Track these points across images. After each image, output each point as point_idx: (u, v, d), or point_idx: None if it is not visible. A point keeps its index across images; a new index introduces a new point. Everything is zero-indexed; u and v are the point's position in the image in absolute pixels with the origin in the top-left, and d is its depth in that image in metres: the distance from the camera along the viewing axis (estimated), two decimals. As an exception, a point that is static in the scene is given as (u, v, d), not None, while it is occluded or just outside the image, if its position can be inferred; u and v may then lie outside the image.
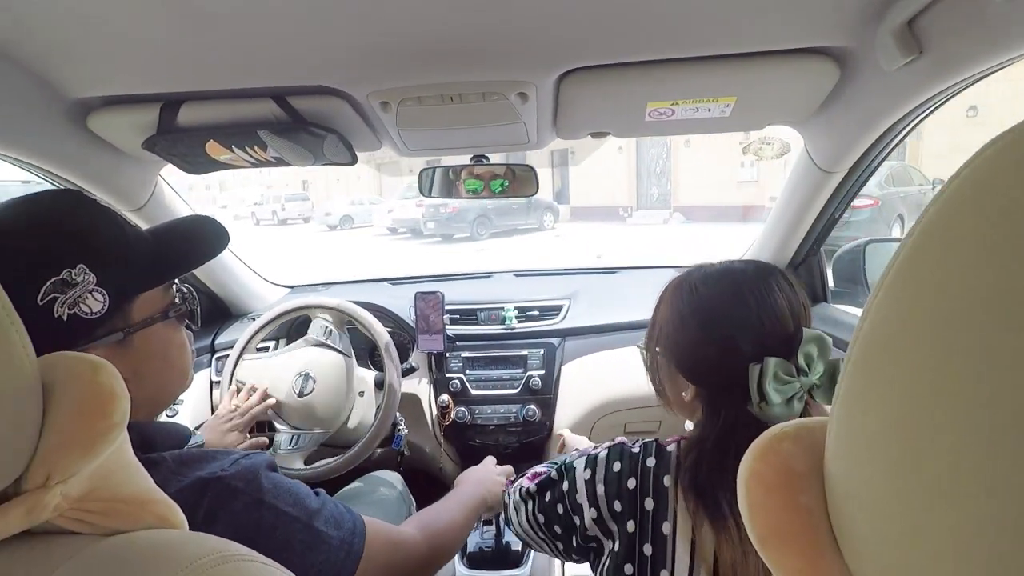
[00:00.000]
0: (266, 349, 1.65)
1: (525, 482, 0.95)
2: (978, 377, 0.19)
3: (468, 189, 1.39)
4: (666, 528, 0.73)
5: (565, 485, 0.83)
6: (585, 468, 0.81)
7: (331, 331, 1.54)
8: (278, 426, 1.46)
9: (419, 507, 1.40)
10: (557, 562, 1.49)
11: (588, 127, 1.19)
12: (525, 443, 1.68)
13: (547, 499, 0.87)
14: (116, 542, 0.42)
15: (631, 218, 16.42)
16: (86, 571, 0.39)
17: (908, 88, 0.89)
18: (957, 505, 0.21)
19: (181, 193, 1.49)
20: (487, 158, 1.38)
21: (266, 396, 1.40)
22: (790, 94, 1.01)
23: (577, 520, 0.81)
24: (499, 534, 1.50)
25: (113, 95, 1.00)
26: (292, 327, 1.71)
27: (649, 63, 0.95)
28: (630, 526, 0.75)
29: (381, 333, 1.49)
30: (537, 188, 1.37)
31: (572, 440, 1.30)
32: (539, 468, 0.96)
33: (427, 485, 1.73)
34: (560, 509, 0.84)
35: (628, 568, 0.74)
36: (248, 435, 1.31)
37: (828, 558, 0.32)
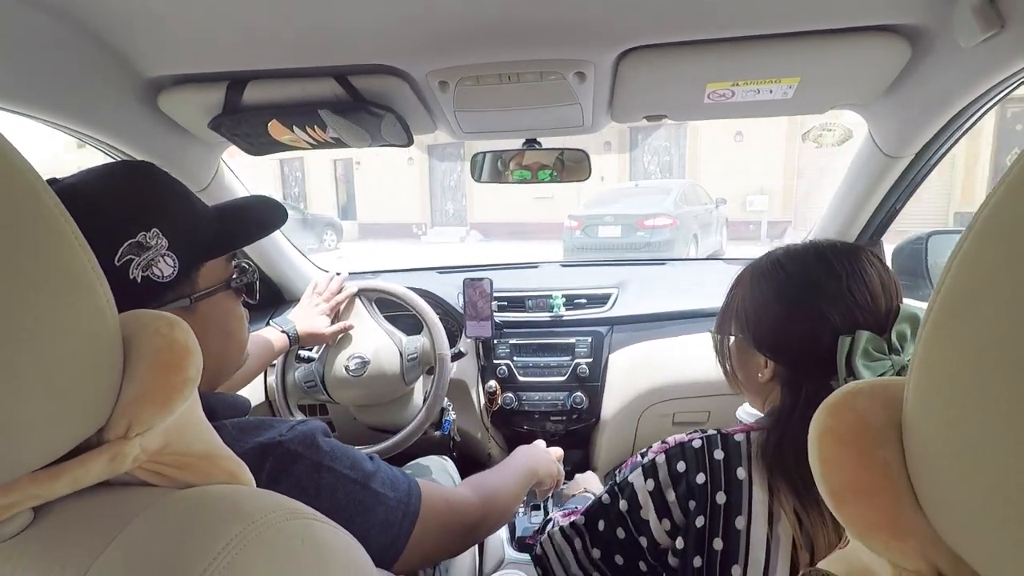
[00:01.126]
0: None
1: (561, 520, 0.90)
2: None
3: (517, 176, 1.39)
4: (739, 523, 0.69)
5: (623, 504, 0.77)
6: (645, 480, 0.75)
7: (371, 309, 1.57)
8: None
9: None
10: None
11: (644, 110, 1.17)
12: (572, 430, 1.68)
13: (601, 528, 0.80)
14: (192, 493, 0.43)
15: (426, 236, 15.67)
16: (166, 518, 0.40)
17: (986, 65, 0.85)
18: None
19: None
20: (539, 143, 1.38)
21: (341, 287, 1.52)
22: (857, 74, 0.98)
23: (644, 541, 0.76)
24: (547, 517, 1.50)
25: (184, 74, 1.03)
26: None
27: (711, 42, 0.93)
28: (699, 521, 0.71)
29: (433, 318, 1.51)
30: (589, 173, 1.36)
31: (583, 480, 1.30)
32: (567, 508, 0.92)
33: (474, 471, 1.74)
34: (621, 534, 0.78)
35: (697, 561, 0.71)
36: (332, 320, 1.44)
37: (908, 511, 0.31)
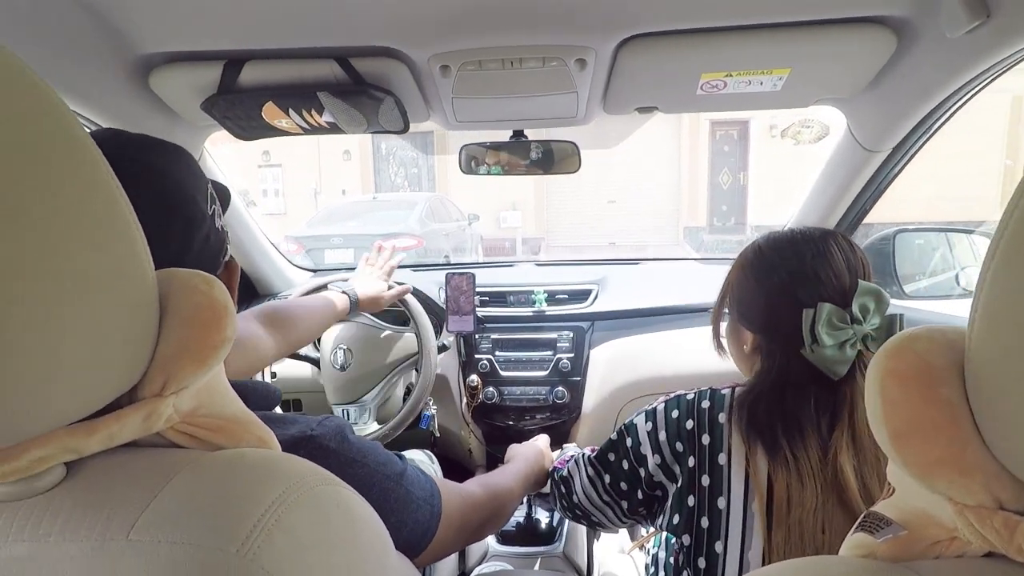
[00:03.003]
0: None
1: (587, 451, 1.02)
2: None
3: (506, 166, 1.40)
4: (721, 459, 0.80)
5: (629, 441, 0.91)
6: (646, 421, 0.89)
7: None
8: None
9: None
10: (585, 540, 1.50)
11: (637, 101, 1.20)
12: (553, 424, 1.69)
13: (611, 459, 0.94)
14: (229, 454, 0.43)
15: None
16: (209, 475, 0.40)
17: (969, 56, 0.90)
18: None
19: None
20: (526, 136, 1.40)
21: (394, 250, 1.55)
22: (844, 66, 1.03)
23: (642, 471, 0.88)
24: (529, 512, 1.51)
25: (179, 51, 1.01)
26: None
27: (706, 31, 0.97)
28: (691, 461, 0.82)
29: (415, 307, 1.50)
30: (579, 165, 1.39)
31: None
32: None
33: (451, 466, 1.73)
34: (625, 465, 0.91)
35: (691, 500, 0.81)
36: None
37: (973, 447, 0.33)
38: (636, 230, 11.45)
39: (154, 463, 0.40)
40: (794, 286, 0.79)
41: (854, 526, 0.41)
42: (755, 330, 0.86)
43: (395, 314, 1.58)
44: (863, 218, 1.48)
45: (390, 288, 1.45)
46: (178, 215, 0.61)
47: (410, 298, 1.50)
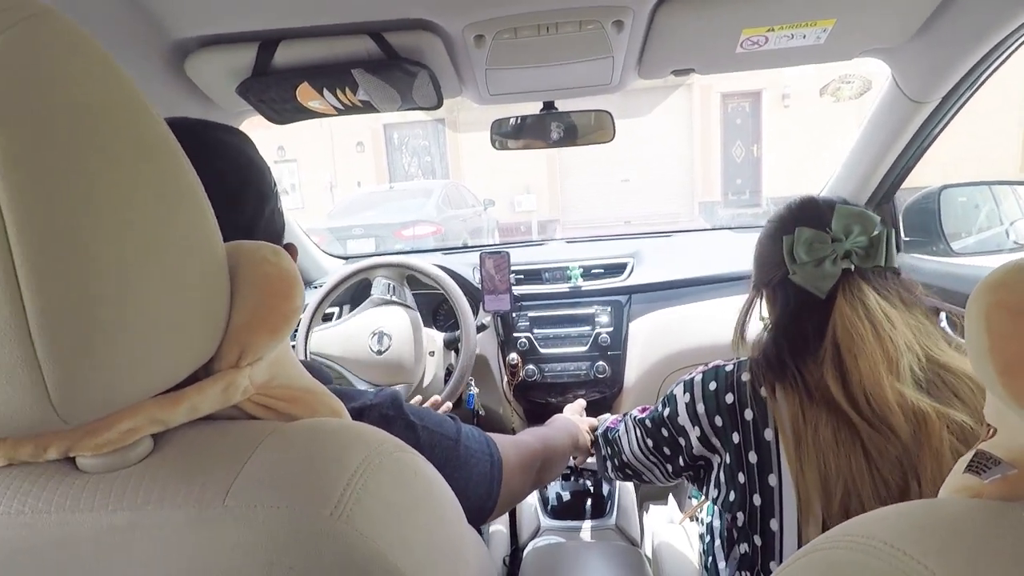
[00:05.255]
0: (330, 318, 1.67)
1: (636, 412, 1.03)
2: None
3: (543, 137, 1.39)
4: (768, 435, 0.79)
5: (667, 411, 0.92)
6: (684, 392, 0.90)
7: (393, 287, 1.55)
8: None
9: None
10: (637, 511, 1.50)
11: (674, 63, 1.17)
12: (595, 400, 1.68)
13: (651, 426, 0.96)
14: (308, 423, 0.44)
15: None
16: (294, 443, 0.40)
17: None
18: None
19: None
20: (557, 109, 1.38)
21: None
22: (893, 11, 1.00)
23: (683, 441, 0.90)
24: (579, 486, 1.52)
25: (213, 34, 1.00)
26: (355, 292, 1.72)
27: None
28: (735, 437, 0.82)
29: (451, 285, 1.50)
30: (614, 134, 1.36)
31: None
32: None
33: None
34: (665, 432, 0.93)
35: (741, 477, 0.81)
36: None
37: None
38: (650, 207, 11.31)
39: (237, 433, 0.41)
40: (779, 227, 0.85)
41: (957, 466, 0.39)
42: (763, 283, 0.90)
43: (422, 300, 1.58)
44: (908, 174, 1.44)
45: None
46: (252, 188, 0.64)
47: (446, 277, 1.50)
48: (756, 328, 0.92)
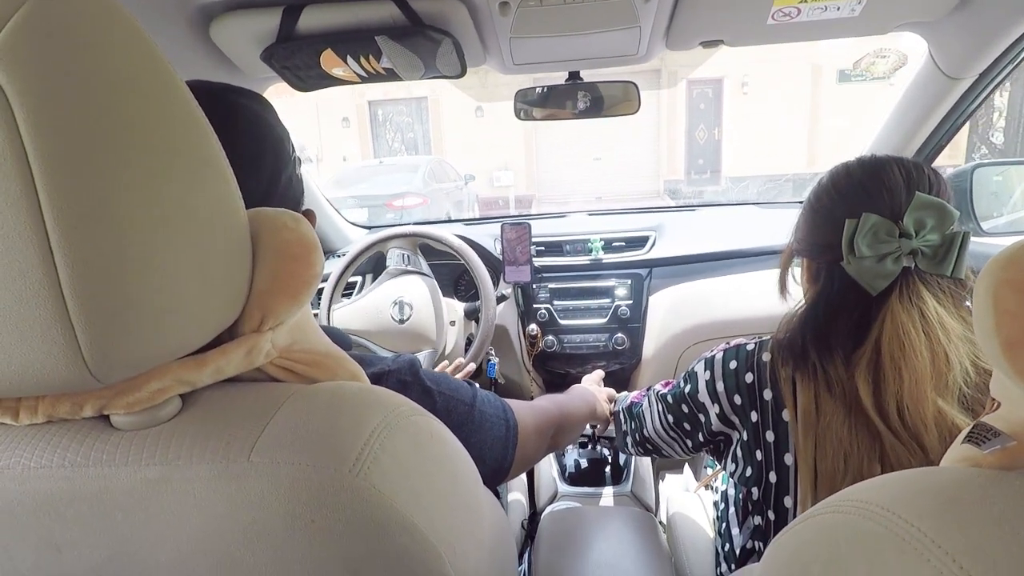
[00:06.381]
0: (350, 294, 1.69)
1: (659, 387, 1.03)
2: None
3: (567, 108, 1.37)
4: (786, 415, 0.77)
5: (688, 388, 0.90)
6: (705, 370, 0.87)
7: (408, 256, 1.57)
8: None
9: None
10: (652, 479, 1.52)
11: (703, 34, 1.15)
12: (613, 371, 1.69)
13: (673, 402, 0.95)
14: (328, 386, 0.45)
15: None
16: (315, 404, 0.41)
17: None
18: None
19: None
20: (582, 79, 1.37)
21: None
22: None
23: (703, 417, 0.88)
24: (596, 454, 1.54)
25: None
26: (376, 262, 1.74)
27: None
28: (753, 416, 0.81)
29: (472, 255, 1.51)
30: (639, 106, 1.35)
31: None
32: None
33: None
34: (686, 409, 0.91)
35: (759, 455, 0.81)
36: None
37: None
38: (620, 185, 12.42)
39: (260, 394, 0.43)
40: (842, 202, 0.75)
41: (958, 438, 0.40)
42: (806, 254, 0.83)
43: (441, 270, 1.60)
44: (940, 152, 1.40)
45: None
46: (269, 154, 0.64)
47: (466, 247, 1.52)
48: (796, 291, 0.87)
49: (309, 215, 0.75)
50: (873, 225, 0.70)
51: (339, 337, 0.76)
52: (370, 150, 13.15)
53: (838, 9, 1.03)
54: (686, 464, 1.52)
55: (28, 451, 0.39)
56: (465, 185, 10.22)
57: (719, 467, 1.15)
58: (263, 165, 0.64)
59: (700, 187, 12.32)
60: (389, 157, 12.11)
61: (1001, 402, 0.38)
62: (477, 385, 0.81)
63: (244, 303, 0.43)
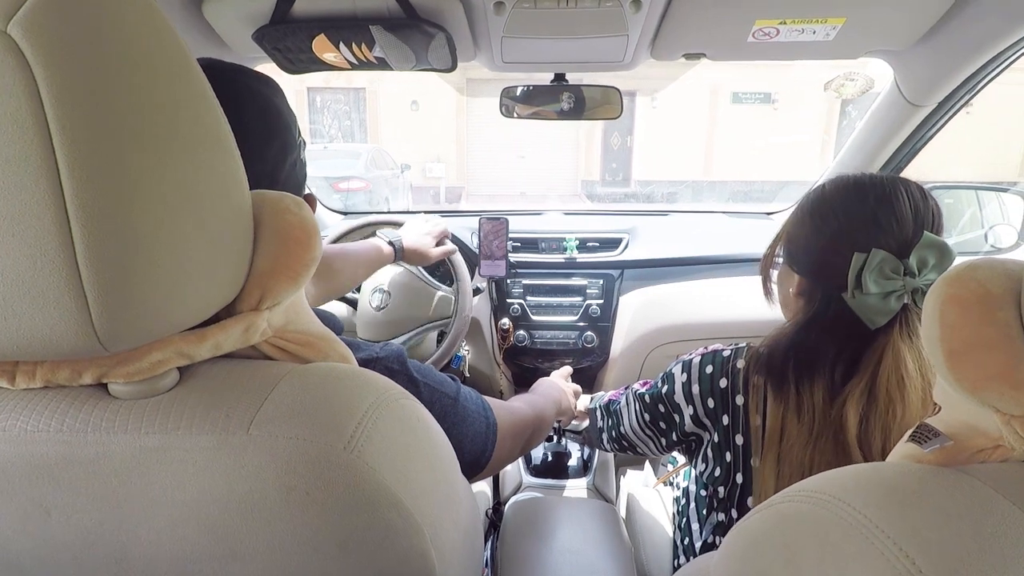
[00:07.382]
0: None
1: (637, 386, 1.06)
2: None
3: (551, 107, 1.41)
4: (756, 420, 0.81)
5: (665, 389, 0.93)
6: (682, 372, 0.91)
7: None
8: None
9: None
10: (613, 474, 1.57)
11: (687, 47, 1.20)
12: (581, 368, 1.73)
13: (649, 401, 0.98)
14: (322, 366, 0.47)
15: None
16: (311, 381, 0.43)
17: None
18: None
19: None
20: (567, 81, 1.40)
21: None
22: (903, 14, 1.02)
23: (677, 418, 0.92)
24: (561, 447, 1.58)
25: None
26: None
27: None
28: (724, 420, 0.85)
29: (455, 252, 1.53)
30: (621, 111, 1.39)
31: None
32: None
33: None
34: (662, 408, 0.95)
35: (728, 456, 0.85)
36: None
37: None
38: (542, 182, 13.39)
39: (257, 371, 0.44)
40: (851, 229, 0.75)
41: (904, 437, 0.44)
42: (803, 272, 0.83)
43: (437, 269, 1.61)
44: (899, 174, 1.48)
45: (438, 246, 1.45)
46: (277, 137, 0.64)
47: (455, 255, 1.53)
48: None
49: (310, 199, 0.76)
50: (881, 262, 0.71)
51: (331, 321, 0.77)
52: (307, 134, 12.81)
53: (814, 33, 1.09)
54: (646, 461, 1.57)
55: (25, 415, 0.39)
56: (401, 173, 10.82)
57: (680, 464, 1.19)
58: (270, 149, 0.65)
59: (613, 188, 13.75)
60: (330, 143, 12.52)
61: (942, 406, 0.43)
62: (460, 381, 0.82)
63: (245, 281, 0.44)
